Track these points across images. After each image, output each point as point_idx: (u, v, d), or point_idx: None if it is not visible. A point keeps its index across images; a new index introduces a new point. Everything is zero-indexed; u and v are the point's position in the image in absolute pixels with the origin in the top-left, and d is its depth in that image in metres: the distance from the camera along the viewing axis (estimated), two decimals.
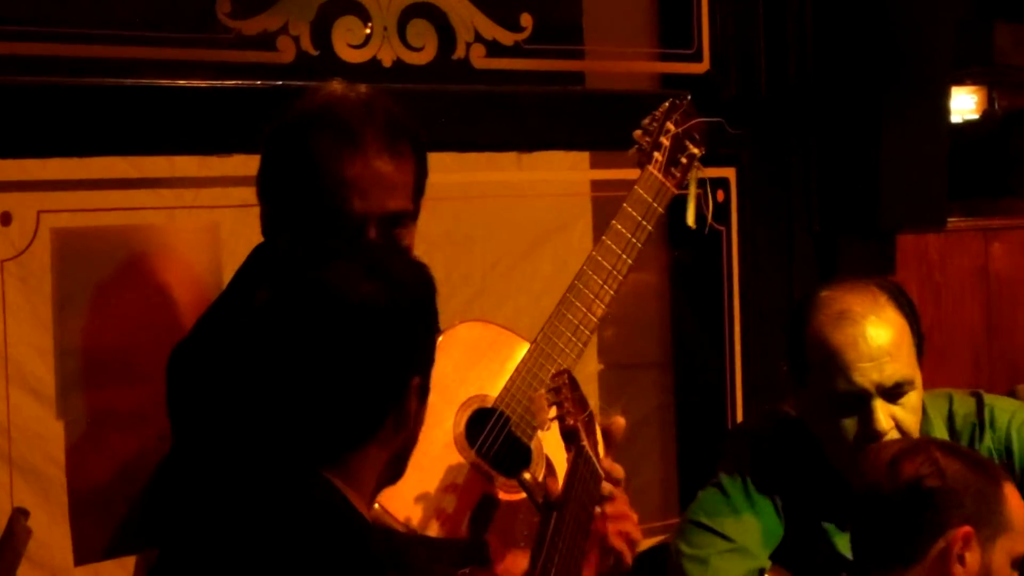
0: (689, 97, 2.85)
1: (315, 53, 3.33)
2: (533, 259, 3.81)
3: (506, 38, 3.61)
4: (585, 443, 2.39)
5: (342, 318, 2.05)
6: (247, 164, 3.11)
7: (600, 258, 2.65)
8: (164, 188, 3.17)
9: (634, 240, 2.66)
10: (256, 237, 2.59)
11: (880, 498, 2.43)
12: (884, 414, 2.79)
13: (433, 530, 2.49)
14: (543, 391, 2.45)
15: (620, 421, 2.51)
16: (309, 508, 2.04)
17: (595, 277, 2.64)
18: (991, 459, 2.66)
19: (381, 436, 2.08)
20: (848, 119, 4.15)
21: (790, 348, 2.91)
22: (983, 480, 2.44)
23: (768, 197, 4.10)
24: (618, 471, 2.51)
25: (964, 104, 7.88)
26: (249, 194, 3.08)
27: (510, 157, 3.70)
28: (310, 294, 2.07)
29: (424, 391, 2.14)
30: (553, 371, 2.54)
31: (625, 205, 2.68)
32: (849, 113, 4.15)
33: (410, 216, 2.49)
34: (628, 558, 2.49)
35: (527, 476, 2.46)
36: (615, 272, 2.64)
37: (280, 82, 3.27)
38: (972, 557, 2.40)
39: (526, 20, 3.63)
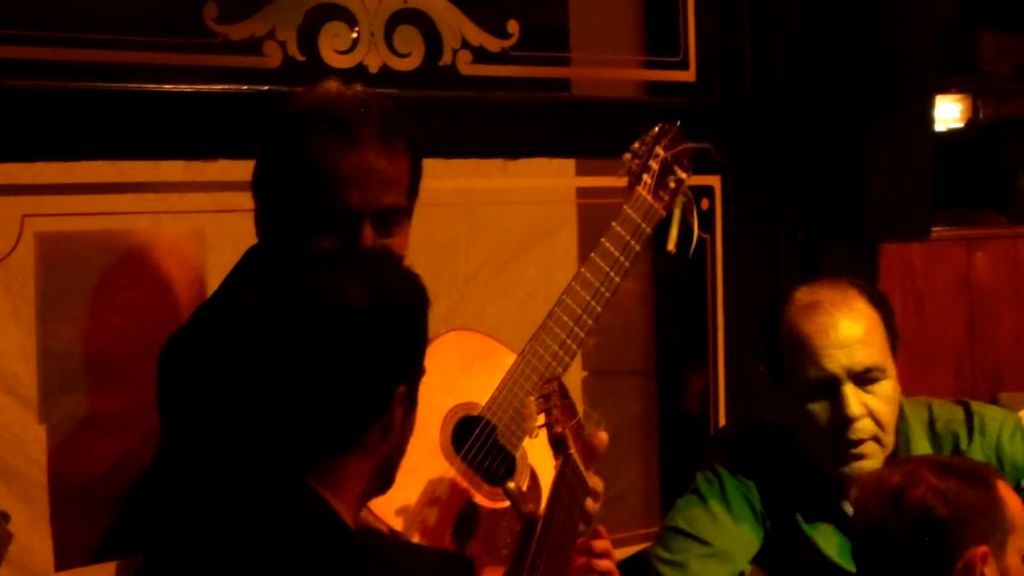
0: (679, 123, 2.90)
1: (302, 58, 3.32)
2: (517, 266, 3.81)
3: (493, 44, 3.61)
4: (573, 451, 2.40)
5: (328, 322, 2.06)
6: (233, 169, 3.13)
7: (588, 275, 2.69)
8: (149, 192, 3.17)
9: (622, 259, 2.71)
10: (241, 242, 2.59)
11: (891, 538, 2.43)
12: (855, 400, 2.84)
13: (417, 534, 2.50)
14: (533, 397, 2.48)
15: (603, 436, 2.54)
16: (293, 514, 2.04)
17: (583, 293, 2.68)
18: (979, 463, 2.66)
19: (366, 444, 2.09)
20: (833, 128, 4.15)
21: (765, 344, 2.96)
22: (981, 491, 2.46)
23: (753, 205, 4.10)
24: (597, 484, 2.53)
25: (949, 113, 7.89)
26: (235, 199, 3.09)
27: (496, 163, 3.70)
28: (298, 298, 2.08)
29: (411, 400, 2.14)
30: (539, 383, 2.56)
31: (614, 224, 2.73)
32: (834, 122, 4.15)
33: (404, 213, 2.51)
34: None
35: (511, 485, 2.47)
36: (603, 290, 2.69)
37: (267, 87, 3.26)
38: (991, 571, 2.41)
39: (513, 27, 3.63)
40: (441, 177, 3.43)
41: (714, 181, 4.02)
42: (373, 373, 2.08)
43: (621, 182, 3.46)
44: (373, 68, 3.40)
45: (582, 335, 2.67)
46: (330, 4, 3.36)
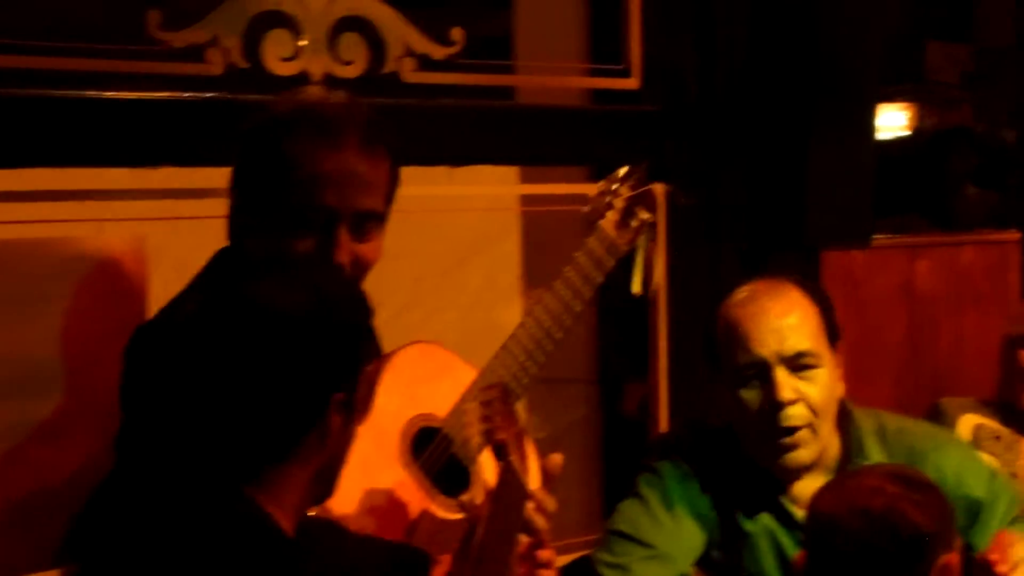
0: (645, 165, 2.93)
1: (245, 66, 3.31)
2: (461, 274, 3.81)
3: (437, 52, 3.61)
4: (514, 457, 2.41)
5: (261, 330, 2.06)
6: (176, 176, 3.12)
7: (551, 302, 2.72)
8: (90, 200, 3.15)
9: (584, 289, 2.75)
10: (184, 249, 2.59)
11: (877, 554, 2.46)
12: (787, 385, 2.87)
13: None
14: (474, 404, 2.50)
15: (557, 459, 2.56)
16: (228, 523, 2.04)
17: (544, 319, 2.71)
18: (916, 471, 2.70)
19: (303, 452, 2.09)
20: (776, 135, 4.18)
21: (704, 339, 3.01)
22: (943, 500, 2.53)
23: (696, 212, 4.12)
24: (549, 503, 2.55)
25: (895, 121, 7.95)
26: (178, 206, 3.08)
27: (441, 171, 3.70)
28: (233, 305, 2.08)
29: (349, 408, 2.14)
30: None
31: (577, 255, 2.76)
32: (777, 129, 4.17)
33: (381, 219, 2.53)
34: None
35: (465, 498, 2.51)
36: (564, 317, 2.72)
37: (210, 94, 3.25)
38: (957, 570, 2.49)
39: (457, 35, 3.63)
40: None
41: (657, 189, 4.03)
42: (308, 381, 2.08)
43: (565, 189, 3.47)
44: (316, 75, 3.39)
45: (541, 359, 2.70)
46: (274, 12, 3.35)
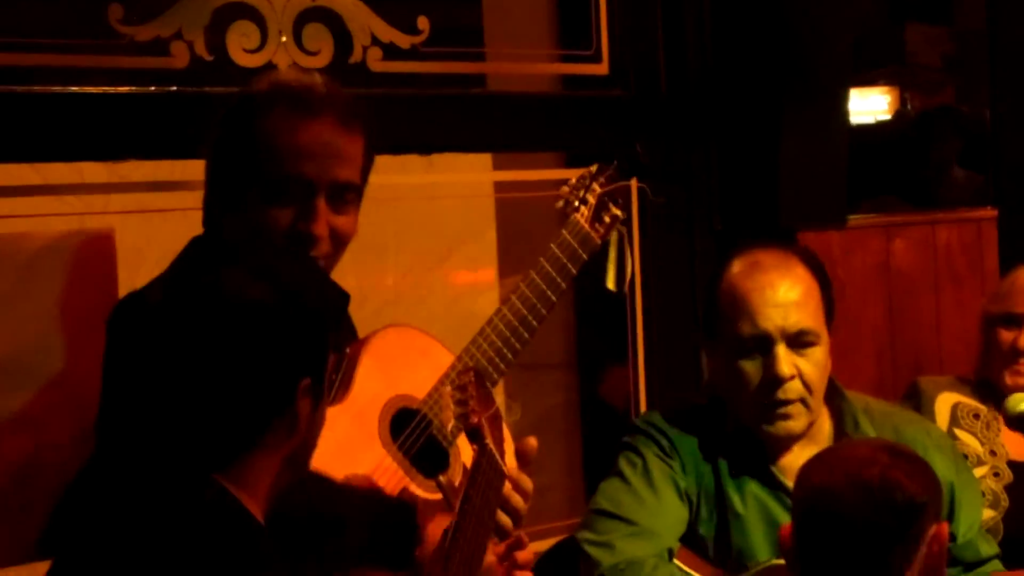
0: (616, 163, 2.96)
1: (210, 58, 3.31)
2: (446, 266, 3.81)
3: (403, 41, 3.61)
4: (488, 441, 2.41)
5: (225, 317, 2.07)
6: (141, 170, 3.11)
7: (526, 290, 2.75)
8: (57, 195, 3.15)
9: (559, 280, 2.78)
10: (152, 241, 2.59)
11: (873, 527, 2.45)
12: (787, 361, 2.91)
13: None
14: (448, 388, 2.50)
15: (532, 442, 2.58)
16: (198, 511, 2.04)
17: (520, 307, 2.73)
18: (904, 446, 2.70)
19: (271, 439, 2.10)
20: (748, 118, 4.18)
21: (705, 305, 3.05)
22: (933, 472, 2.51)
23: (669, 196, 4.11)
24: (526, 483, 2.57)
25: (877, 105, 7.94)
26: (144, 199, 3.07)
27: (417, 160, 3.69)
28: (196, 294, 2.10)
29: (317, 394, 2.14)
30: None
31: (552, 246, 2.79)
32: (749, 112, 4.18)
33: (357, 191, 2.56)
34: None
35: (443, 479, 2.53)
36: (539, 306, 2.74)
37: (174, 87, 3.26)
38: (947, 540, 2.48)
39: (423, 23, 3.63)
40: None
41: (631, 185, 4.02)
42: (273, 368, 2.08)
43: (538, 175, 3.45)
44: (282, 67, 3.38)
45: (518, 347, 2.72)
46: (237, 3, 3.35)
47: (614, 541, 2.90)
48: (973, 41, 7.56)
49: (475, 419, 2.43)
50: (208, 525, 2.02)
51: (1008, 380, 3.62)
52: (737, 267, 2.99)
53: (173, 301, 2.11)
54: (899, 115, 8.01)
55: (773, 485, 2.96)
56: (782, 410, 2.92)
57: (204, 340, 2.06)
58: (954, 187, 6.64)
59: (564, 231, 2.81)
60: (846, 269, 4.64)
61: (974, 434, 3.58)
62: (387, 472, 2.58)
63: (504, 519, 2.54)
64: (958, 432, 3.54)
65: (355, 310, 2.55)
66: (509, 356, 2.70)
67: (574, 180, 2.88)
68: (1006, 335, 3.65)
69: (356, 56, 3.53)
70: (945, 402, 3.65)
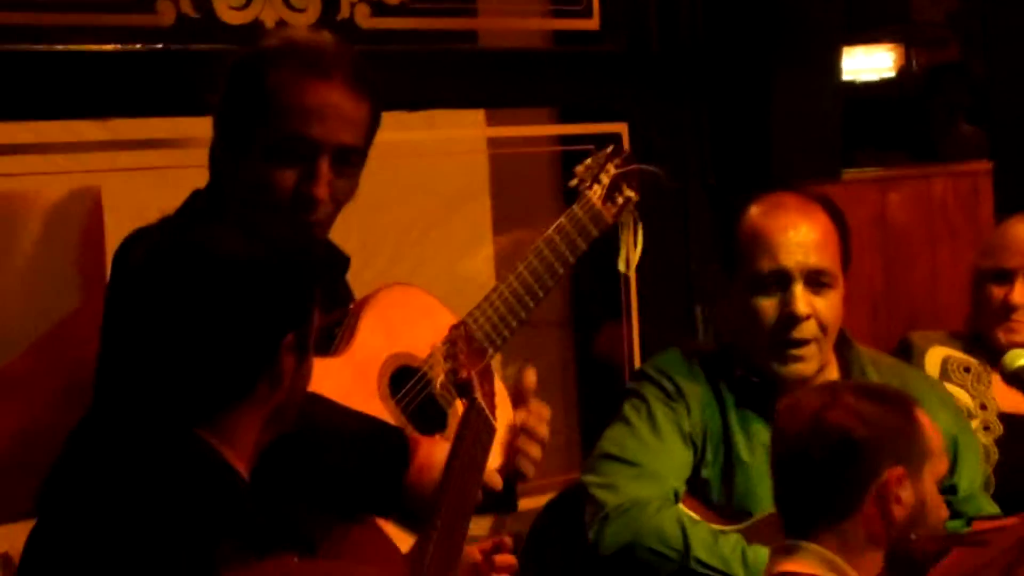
0: (628, 147, 3.09)
1: (195, 15, 3.30)
2: (446, 226, 3.80)
3: None
4: (478, 395, 2.41)
5: (208, 273, 2.07)
6: (127, 128, 3.09)
7: (535, 261, 2.75)
8: (44, 153, 3.13)
9: (567, 254, 2.79)
10: (139, 200, 2.58)
11: (809, 459, 2.45)
12: (804, 300, 2.94)
13: None
14: (439, 343, 2.53)
15: (531, 374, 2.64)
16: (182, 465, 2.04)
17: (527, 277, 2.74)
18: (900, 390, 2.68)
19: (255, 394, 2.10)
20: (740, 73, 4.19)
21: (723, 239, 3.09)
22: (899, 416, 2.48)
23: (661, 152, 4.09)
24: (546, 411, 2.65)
25: (882, 62, 7.90)
26: (131, 158, 3.06)
27: (416, 117, 3.67)
28: (179, 250, 2.10)
29: (302, 350, 2.14)
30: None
31: (563, 219, 2.81)
32: (741, 67, 4.18)
33: (360, 155, 2.55)
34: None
35: (439, 437, 2.53)
36: (546, 278, 2.76)
37: (160, 45, 3.25)
38: (907, 494, 2.44)
39: None
40: None
41: (622, 128, 4.01)
42: (256, 324, 2.08)
43: (533, 130, 3.43)
44: (269, 24, 3.37)
45: (522, 315, 2.73)
46: None
47: (618, 483, 2.93)
48: None
49: (464, 373, 2.44)
50: (190, 479, 2.02)
51: (1002, 337, 3.59)
52: (759, 207, 3.02)
53: (159, 255, 2.11)
54: (904, 72, 7.98)
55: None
56: (795, 351, 2.95)
57: (188, 294, 2.06)
58: (962, 143, 6.61)
59: (575, 206, 2.84)
60: None
61: (964, 388, 3.56)
62: None
63: (532, 449, 2.60)
64: (948, 386, 3.52)
65: (358, 271, 2.61)
66: (514, 324, 2.72)
67: (589, 160, 2.90)
68: (997, 291, 3.61)
69: (344, 12, 3.52)
70: (935, 356, 3.63)
